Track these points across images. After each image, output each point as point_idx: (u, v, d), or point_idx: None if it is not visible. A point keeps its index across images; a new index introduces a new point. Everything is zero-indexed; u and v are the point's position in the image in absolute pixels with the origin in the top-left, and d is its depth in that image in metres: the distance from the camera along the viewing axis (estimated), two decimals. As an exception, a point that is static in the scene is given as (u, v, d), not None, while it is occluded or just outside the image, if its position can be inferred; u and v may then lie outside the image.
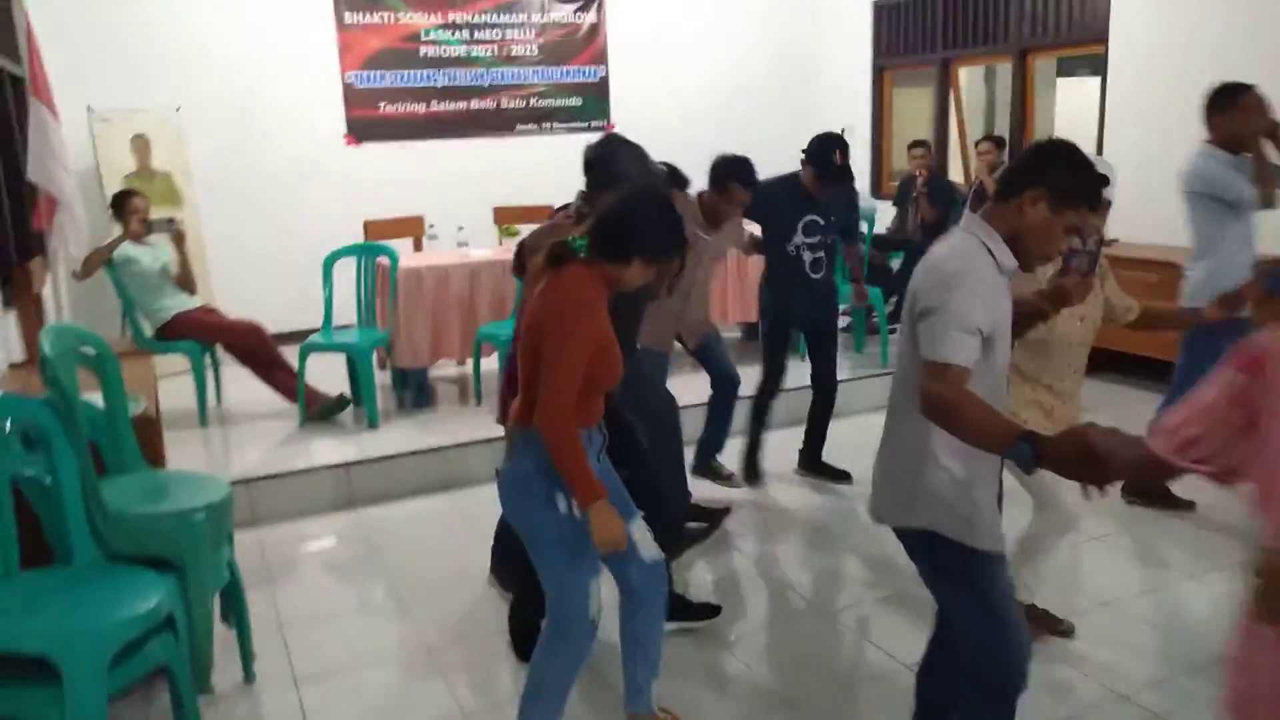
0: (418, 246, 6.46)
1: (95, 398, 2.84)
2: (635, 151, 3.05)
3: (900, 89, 8.59)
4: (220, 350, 5.47)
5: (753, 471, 4.61)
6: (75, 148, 6.14)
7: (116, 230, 5.25)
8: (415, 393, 5.43)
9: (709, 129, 8.25)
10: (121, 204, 5.20)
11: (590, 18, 7.83)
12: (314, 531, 4.31)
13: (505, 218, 7.03)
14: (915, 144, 7.33)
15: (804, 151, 4.45)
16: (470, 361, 5.48)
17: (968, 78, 8.54)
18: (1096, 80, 9.31)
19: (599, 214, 2.41)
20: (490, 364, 5.59)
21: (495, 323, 5.38)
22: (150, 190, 6.18)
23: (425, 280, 5.31)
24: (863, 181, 8.49)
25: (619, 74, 8.01)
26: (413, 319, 5.28)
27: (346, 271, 5.43)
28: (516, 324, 3.03)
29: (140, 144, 6.25)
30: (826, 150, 4.35)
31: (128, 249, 5.14)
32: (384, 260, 5.37)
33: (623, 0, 7.91)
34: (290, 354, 5.43)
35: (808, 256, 4.41)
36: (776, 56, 8.58)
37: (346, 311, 5.52)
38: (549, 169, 7.82)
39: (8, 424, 2.30)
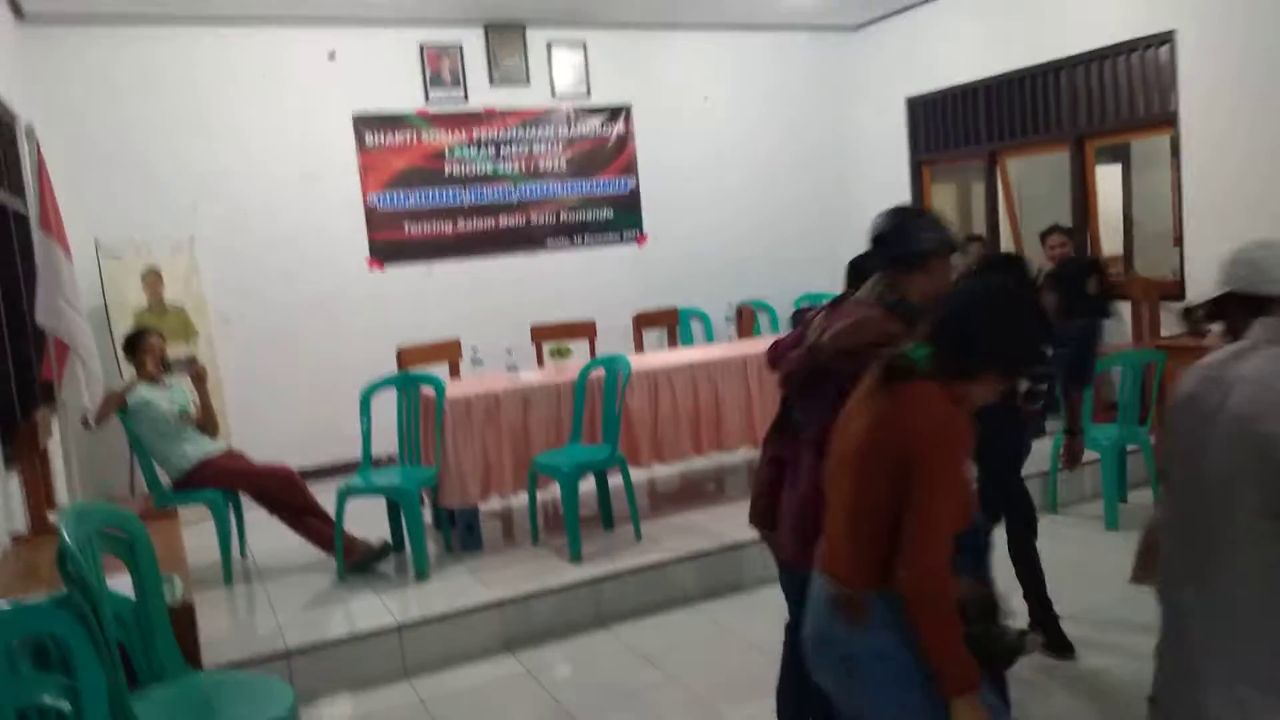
0: (454, 372, 5.96)
1: (118, 581, 2.28)
2: (930, 222, 2.50)
3: (939, 183, 8.28)
4: (245, 496, 4.89)
5: (1063, 641, 3.65)
6: (82, 285, 5.72)
7: (128, 373, 4.75)
8: (465, 534, 4.83)
9: (743, 235, 7.95)
10: (136, 344, 4.71)
11: (618, 129, 7.54)
12: (369, 710, 3.66)
13: (544, 335, 6.56)
14: (970, 239, 6.94)
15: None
16: (523, 493, 4.91)
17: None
18: (1117, 168, 9.14)
19: (942, 320, 1.98)
20: (546, 496, 5.01)
21: (551, 451, 4.83)
22: (163, 326, 5.70)
23: (475, 410, 4.78)
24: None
25: (650, 184, 7.69)
26: (462, 453, 4.73)
27: (380, 403, 4.91)
28: (782, 431, 2.67)
29: (152, 278, 5.82)
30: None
31: (143, 392, 4.63)
32: (428, 390, 4.85)
33: (650, 110, 7.64)
34: (319, 491, 4.88)
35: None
36: (810, 158, 8.29)
37: (377, 444, 4.98)
38: (582, 283, 7.47)
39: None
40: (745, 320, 6.70)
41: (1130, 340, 6.09)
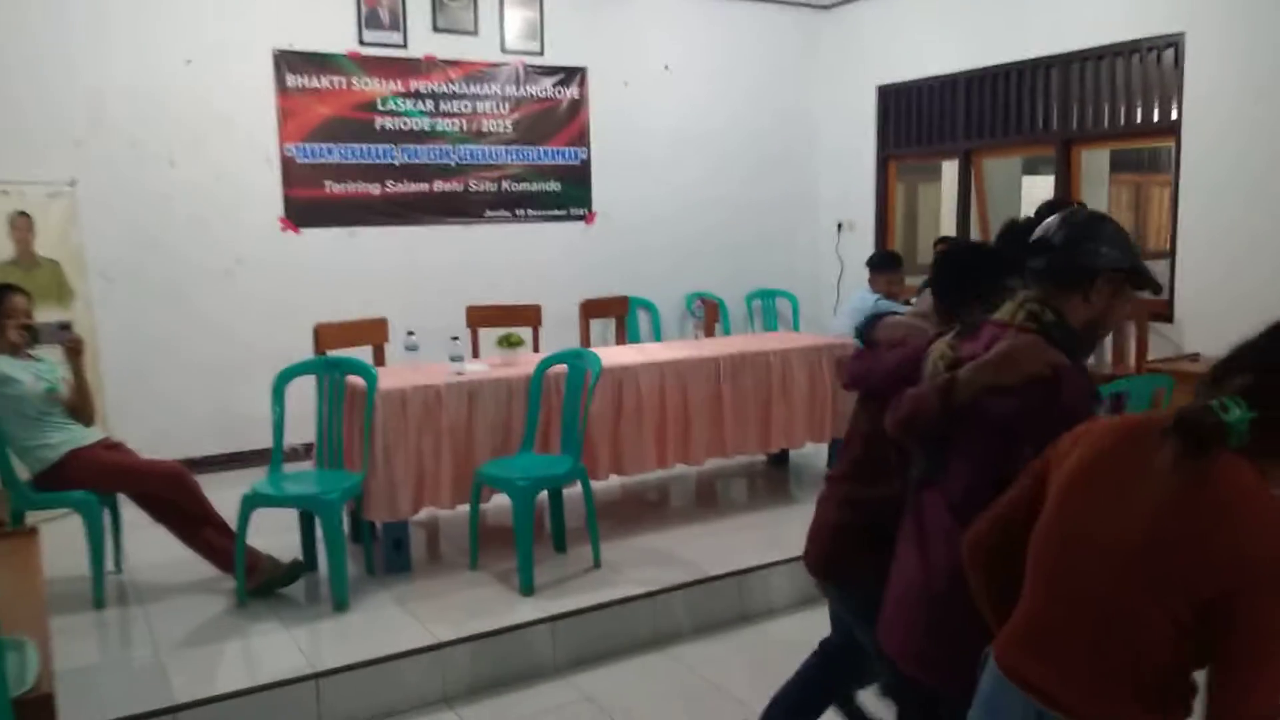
0: (379, 358, 5.19)
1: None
2: (1115, 235, 1.90)
3: (901, 180, 7.84)
4: (124, 498, 4.06)
5: None
6: (-69, 227, 4.75)
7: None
8: (391, 553, 4.10)
9: (697, 221, 7.37)
10: (-7, 303, 3.82)
11: (571, 93, 6.82)
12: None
13: (482, 319, 5.85)
14: (942, 240, 6.49)
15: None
16: (463, 508, 4.21)
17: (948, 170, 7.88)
18: (1051, 179, 8.88)
19: (1266, 367, 1.42)
20: (493, 510, 4.32)
21: (499, 460, 4.15)
22: (30, 284, 4.75)
23: (411, 405, 4.04)
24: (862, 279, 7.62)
25: (602, 157, 6.99)
26: (394, 457, 3.99)
27: (294, 389, 4.13)
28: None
29: (21, 224, 4.86)
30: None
31: (2, 365, 3.75)
32: (355, 380, 4.10)
33: (607, 76, 6.94)
34: (215, 486, 4.11)
35: None
36: (772, 144, 7.72)
37: (287, 432, 4.22)
38: (523, 262, 6.74)
39: None
40: (709, 315, 6.10)
41: (1111, 365, 5.72)
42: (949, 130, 7.00)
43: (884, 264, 5.51)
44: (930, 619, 1.85)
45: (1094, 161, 7.72)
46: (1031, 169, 9.06)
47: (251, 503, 3.73)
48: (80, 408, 3.95)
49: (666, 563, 4.12)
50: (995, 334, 1.89)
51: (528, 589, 3.80)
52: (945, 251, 2.43)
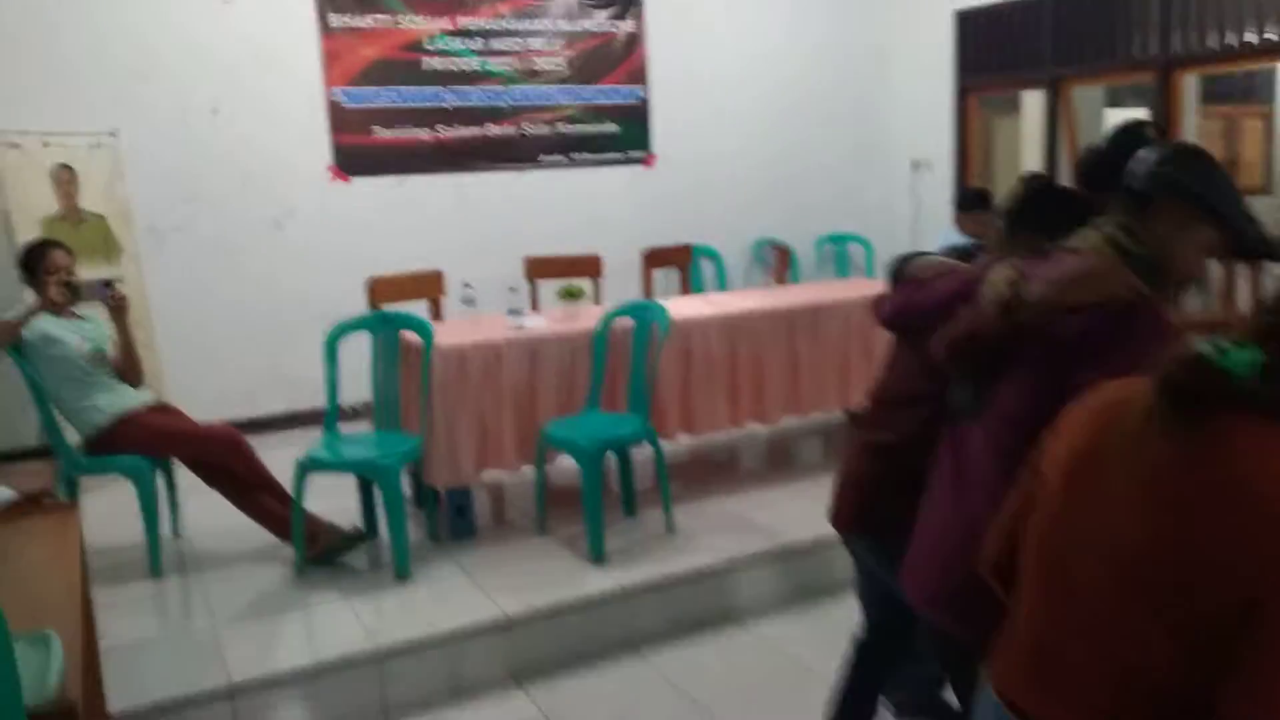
0: (436, 313, 4.96)
1: None
2: (1202, 162, 1.72)
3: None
4: (178, 464, 3.90)
5: None
6: (-27, 182, 4.60)
7: (28, 297, 3.69)
8: (454, 519, 3.90)
9: (761, 163, 6.99)
10: (36, 260, 3.64)
11: (627, 27, 6.45)
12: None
13: (541, 271, 5.59)
14: (1031, 177, 6.05)
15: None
16: (525, 469, 4.00)
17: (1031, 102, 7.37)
18: (1143, 111, 8.31)
19: None
20: (559, 472, 4.09)
21: (564, 419, 3.90)
22: (77, 240, 4.62)
23: (471, 364, 3.81)
24: (945, 220, 7.21)
25: (660, 96, 6.63)
26: (454, 418, 3.77)
27: (348, 346, 3.91)
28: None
29: (65, 177, 4.69)
30: None
31: (45, 324, 3.58)
32: (412, 337, 3.87)
33: (664, 7, 6.55)
34: (270, 447, 3.94)
35: None
36: (841, 77, 7.27)
37: (343, 391, 4.02)
38: (581, 209, 6.44)
39: None
40: (780, 262, 5.76)
41: (1220, 310, 5.29)
42: (1034, 57, 6.50)
43: (973, 203, 5.12)
44: (964, 564, 1.59)
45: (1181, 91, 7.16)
46: (1116, 100, 8.49)
47: (306, 468, 3.54)
48: (128, 368, 3.78)
49: (743, 529, 3.86)
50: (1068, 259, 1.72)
51: (598, 556, 3.57)
52: (1035, 187, 2.16)
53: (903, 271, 2.28)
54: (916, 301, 2.13)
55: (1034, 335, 1.69)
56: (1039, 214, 2.05)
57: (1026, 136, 8.37)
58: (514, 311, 4.09)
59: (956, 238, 5.03)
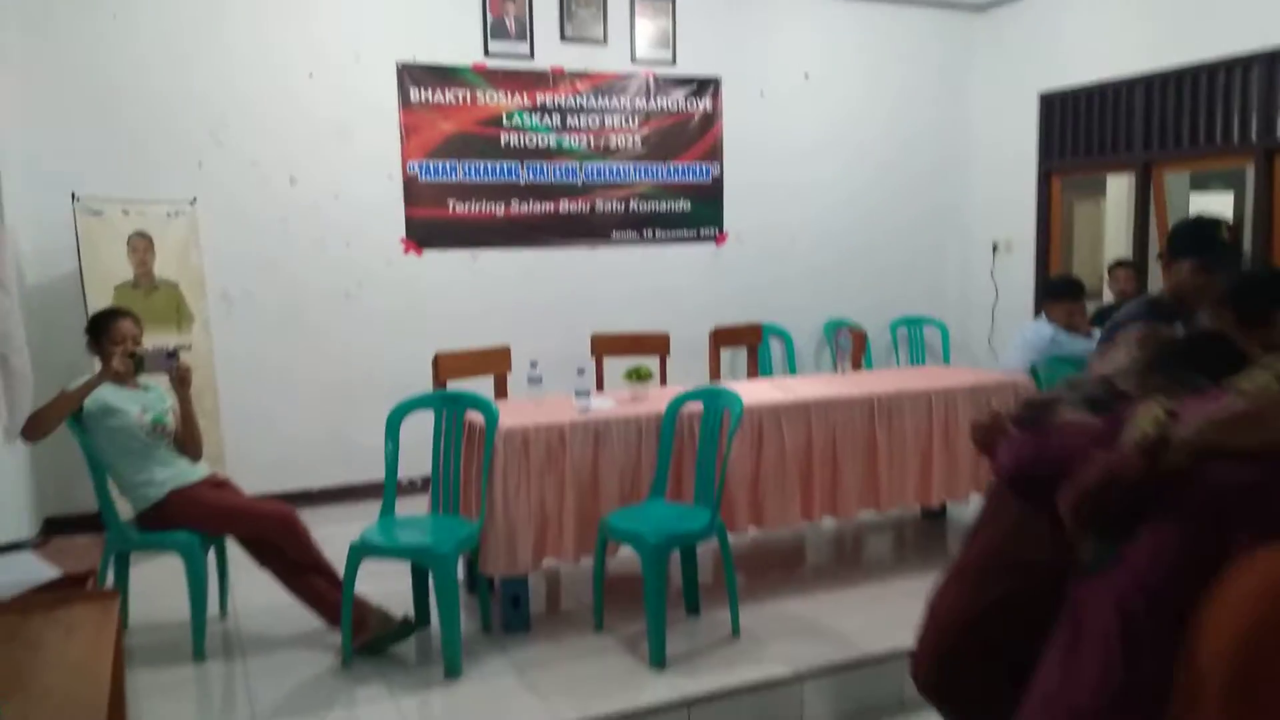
0: (500, 390, 4.84)
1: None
2: None
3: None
4: (230, 541, 3.80)
5: None
6: (52, 247, 4.66)
7: (92, 367, 3.66)
8: (509, 611, 3.72)
9: (835, 242, 6.84)
10: (103, 328, 3.62)
11: (704, 105, 6.40)
12: None
13: (607, 348, 5.46)
14: (1119, 264, 5.80)
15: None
16: (585, 560, 3.81)
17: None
18: (1230, 196, 7.99)
19: None
20: (619, 562, 3.89)
21: (628, 509, 3.72)
22: (148, 307, 4.64)
23: (534, 447, 3.66)
24: (1025, 304, 6.95)
25: (734, 173, 6.54)
26: (514, 503, 3.62)
27: (411, 423, 3.79)
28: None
29: (140, 245, 4.72)
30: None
31: (107, 394, 3.53)
32: (475, 417, 3.75)
33: (741, 86, 6.49)
34: (326, 521, 3.81)
35: None
36: (920, 158, 7.12)
37: (402, 464, 3.89)
38: (650, 286, 6.34)
39: None
40: (856, 346, 5.55)
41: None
42: (1124, 140, 6.28)
43: (1064, 292, 4.88)
44: None
45: None
46: (1201, 184, 8.20)
47: (360, 552, 3.40)
48: (188, 441, 3.71)
49: (813, 634, 3.60)
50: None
51: (659, 661, 3.34)
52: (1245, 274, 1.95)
53: (1038, 418, 1.98)
54: (1048, 453, 1.85)
55: (1184, 483, 1.45)
56: (1197, 354, 1.81)
57: (1110, 220, 8.10)
58: (580, 393, 3.94)
59: (1046, 328, 4.78)
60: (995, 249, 7.17)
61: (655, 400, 4.09)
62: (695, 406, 3.89)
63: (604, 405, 4.02)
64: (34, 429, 3.40)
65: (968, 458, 4.45)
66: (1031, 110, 6.83)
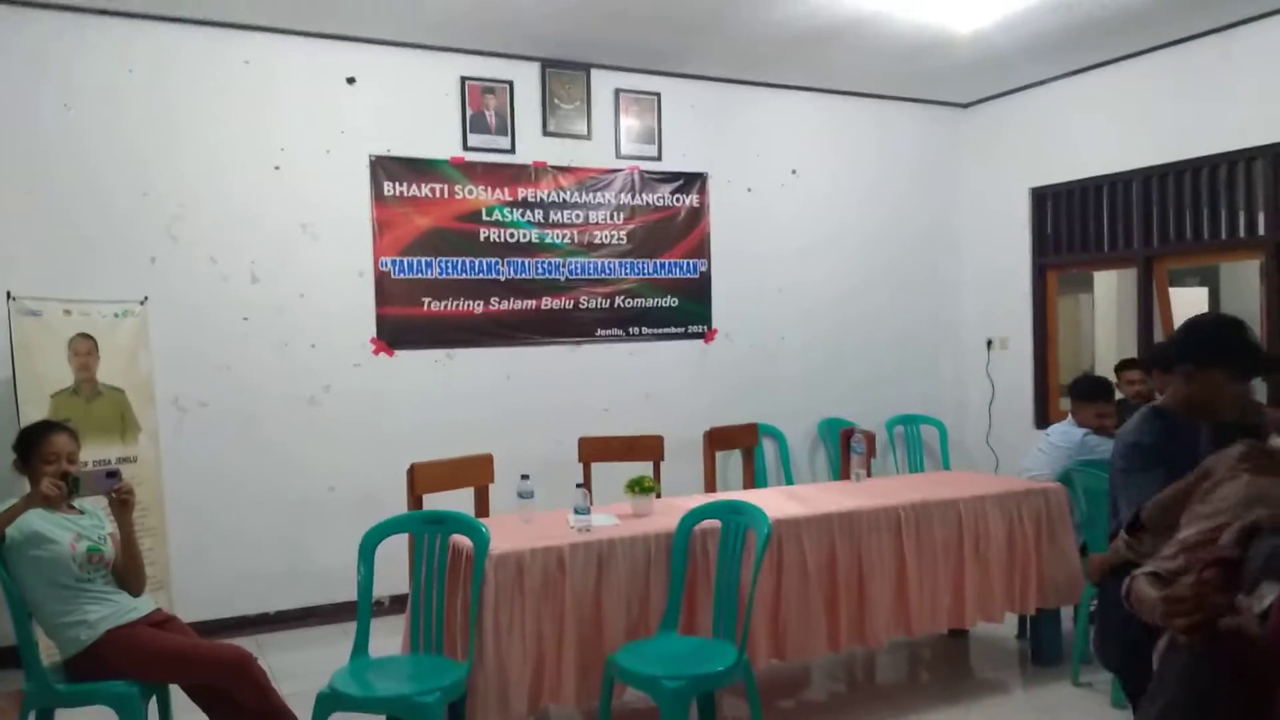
0: (482, 506, 4.38)
1: None
2: None
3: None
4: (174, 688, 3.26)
5: None
6: (-18, 352, 4.19)
7: (21, 487, 3.17)
8: (500, 766, 3.20)
9: (827, 339, 6.57)
10: (32, 444, 3.14)
11: (691, 200, 6.15)
12: None
13: (595, 453, 5.05)
14: (1127, 364, 5.53)
15: None
16: (587, 703, 3.32)
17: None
18: (1204, 291, 7.91)
19: None
20: (623, 704, 3.40)
21: (637, 644, 3.26)
22: (90, 416, 4.17)
23: (530, 574, 3.21)
24: (1024, 402, 6.67)
25: (722, 269, 6.26)
26: (506, 641, 3.15)
27: (387, 554, 3.33)
28: None
29: (83, 348, 4.26)
30: None
31: (35, 521, 3.03)
32: (461, 540, 3.30)
33: (728, 181, 6.27)
34: (288, 646, 3.31)
35: None
36: (910, 253, 6.92)
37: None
38: (637, 386, 5.98)
39: None
40: (868, 448, 5.17)
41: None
42: (1122, 235, 6.11)
43: (1095, 393, 4.58)
44: None
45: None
46: (1177, 280, 8.12)
47: (329, 705, 2.90)
48: (128, 573, 3.21)
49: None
50: None
51: (682, 832, 2.85)
52: None
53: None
54: None
55: None
56: None
57: (1101, 315, 7.94)
58: (579, 510, 3.51)
59: (1075, 431, 4.47)
60: (990, 345, 6.92)
61: (662, 515, 3.68)
62: (709, 523, 3.47)
63: (606, 523, 3.59)
64: (-58, 564, 2.89)
65: (1001, 573, 4.06)
66: (1023, 205, 6.68)
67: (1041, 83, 6.43)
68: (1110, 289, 7.62)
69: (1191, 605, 1.69)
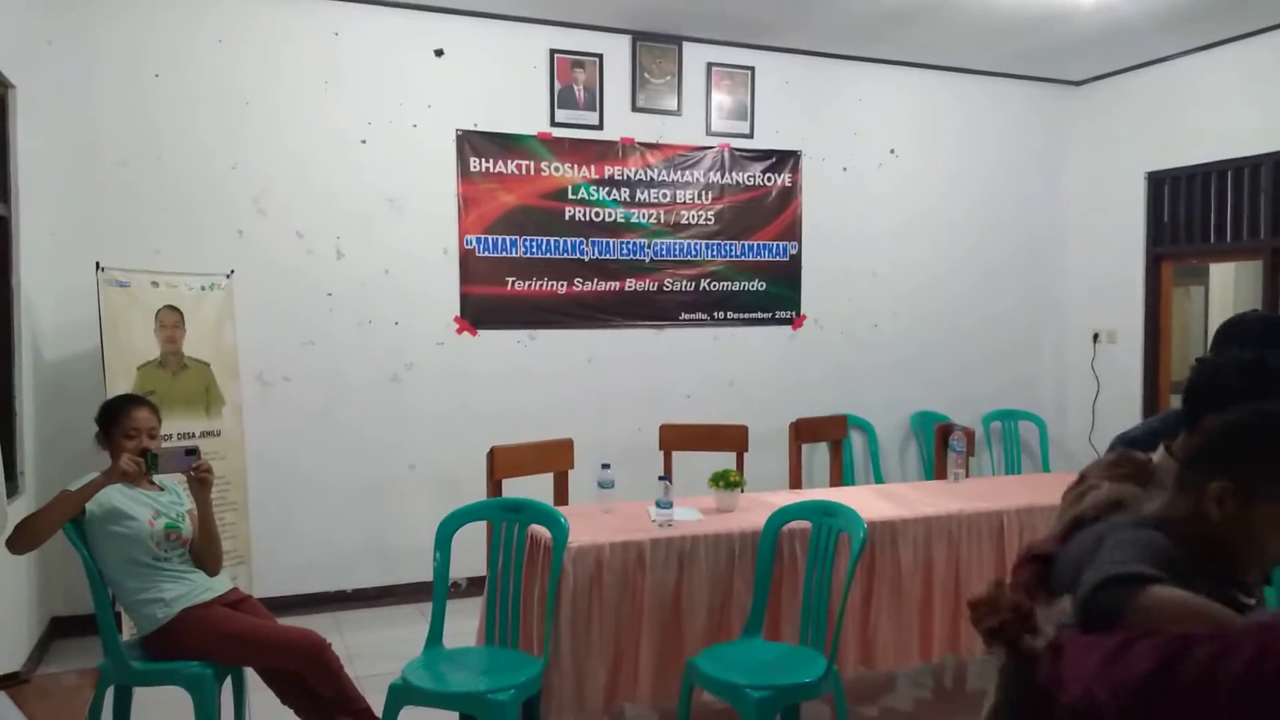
0: (561, 492, 4.27)
1: None
2: None
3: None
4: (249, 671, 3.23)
5: None
6: (72, 322, 4.23)
7: (102, 462, 3.15)
8: (574, 766, 3.09)
9: (922, 329, 6.27)
10: (114, 417, 3.12)
11: (783, 180, 5.92)
12: None
13: (677, 441, 4.89)
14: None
15: None
16: (666, 703, 3.18)
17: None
18: None
19: None
20: (707, 708, 3.26)
21: (719, 648, 3.11)
22: (175, 389, 4.18)
23: (609, 569, 3.09)
24: (1133, 401, 6.29)
25: (813, 252, 6.02)
26: (583, 638, 3.03)
27: (466, 537, 3.24)
28: None
29: (170, 320, 4.27)
30: None
31: (114, 496, 3.01)
32: (539, 530, 3.18)
33: (822, 160, 6.02)
34: (364, 624, 3.23)
35: None
36: (1015, 240, 6.57)
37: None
38: (722, 372, 5.80)
39: None
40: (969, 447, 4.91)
41: None
42: (1245, 224, 5.68)
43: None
44: None
45: None
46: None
47: (401, 697, 2.81)
48: (205, 552, 3.17)
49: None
50: None
51: None
52: None
53: (1112, 607, 1.39)
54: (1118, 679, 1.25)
55: None
56: None
57: (1216, 309, 7.46)
58: (662, 505, 3.36)
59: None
60: (1096, 339, 6.55)
61: (747, 512, 3.51)
62: (798, 523, 3.29)
63: (688, 517, 3.44)
64: (22, 539, 2.87)
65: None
66: (1138, 191, 6.27)
67: (1163, 59, 6.01)
68: (1228, 281, 7.15)
69: (987, 608, 1.49)
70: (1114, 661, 1.25)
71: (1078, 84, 6.63)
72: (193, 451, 3.11)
